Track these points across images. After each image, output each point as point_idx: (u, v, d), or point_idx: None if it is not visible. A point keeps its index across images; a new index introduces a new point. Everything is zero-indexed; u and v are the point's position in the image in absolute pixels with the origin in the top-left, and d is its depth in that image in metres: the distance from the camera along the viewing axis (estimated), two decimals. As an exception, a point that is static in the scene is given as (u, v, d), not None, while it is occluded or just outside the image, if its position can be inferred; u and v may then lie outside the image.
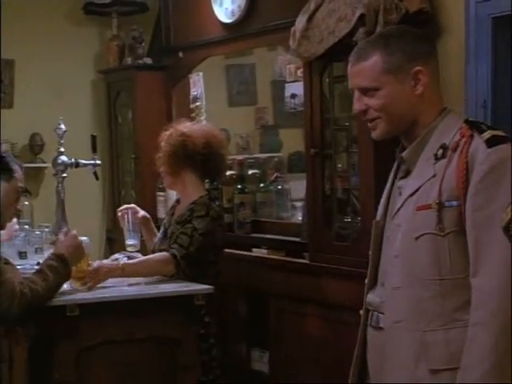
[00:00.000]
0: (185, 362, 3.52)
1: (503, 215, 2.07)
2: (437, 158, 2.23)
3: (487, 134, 2.18)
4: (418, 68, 2.26)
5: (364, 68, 2.29)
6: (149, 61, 5.83)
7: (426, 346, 2.19)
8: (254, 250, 4.64)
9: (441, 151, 2.23)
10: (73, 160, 4.64)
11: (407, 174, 2.33)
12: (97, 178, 4.58)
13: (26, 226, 4.70)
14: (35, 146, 5.88)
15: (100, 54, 6.23)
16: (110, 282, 3.59)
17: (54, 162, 4.69)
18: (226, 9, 5.03)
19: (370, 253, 2.44)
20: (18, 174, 3.28)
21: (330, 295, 3.95)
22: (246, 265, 4.62)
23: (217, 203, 4.20)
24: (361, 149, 3.75)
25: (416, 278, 2.21)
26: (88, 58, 6.19)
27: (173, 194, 5.22)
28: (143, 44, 5.85)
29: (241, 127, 6.32)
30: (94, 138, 4.56)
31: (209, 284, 3.67)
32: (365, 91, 2.29)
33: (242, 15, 4.88)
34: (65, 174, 4.66)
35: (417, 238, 2.21)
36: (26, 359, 3.32)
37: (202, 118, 5.51)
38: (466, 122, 2.29)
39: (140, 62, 5.82)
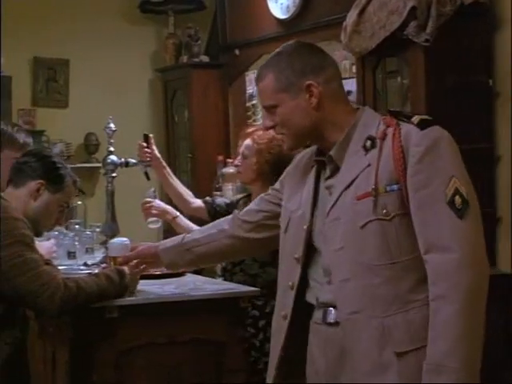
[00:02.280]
0: (230, 366, 3.41)
1: (446, 191, 2.10)
2: (366, 149, 2.24)
3: (416, 119, 2.20)
4: (308, 82, 2.27)
5: (262, 87, 2.34)
6: (205, 59, 5.77)
7: (387, 331, 2.17)
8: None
9: (369, 142, 2.23)
10: (122, 160, 4.56)
11: (335, 171, 2.32)
12: (148, 178, 4.49)
13: (77, 226, 4.65)
14: (90, 146, 5.87)
15: (157, 52, 6.19)
16: (152, 283, 3.51)
17: (104, 162, 4.61)
18: (282, 4, 4.98)
19: (296, 256, 2.37)
20: (68, 189, 3.21)
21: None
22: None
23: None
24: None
25: (365, 266, 2.18)
26: (145, 56, 6.15)
27: (229, 194, 5.15)
28: (199, 42, 5.79)
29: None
30: (146, 136, 4.46)
31: (274, 272, 3.64)
32: (267, 109, 2.33)
33: (296, 11, 4.84)
34: (114, 174, 4.57)
35: (362, 227, 2.19)
36: (68, 360, 3.26)
37: (259, 116, 5.43)
38: (389, 112, 2.30)
39: (196, 60, 5.77)
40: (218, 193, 5.43)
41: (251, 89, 5.42)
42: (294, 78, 2.27)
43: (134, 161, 4.53)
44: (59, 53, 5.75)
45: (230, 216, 2.81)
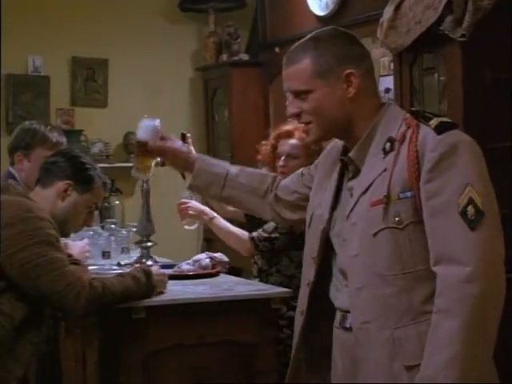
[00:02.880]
0: (261, 368, 3.36)
1: (459, 200, 2.01)
2: (385, 152, 2.16)
3: (435, 122, 2.11)
4: (348, 71, 2.18)
5: (295, 71, 2.22)
6: (245, 57, 5.72)
7: (398, 343, 2.11)
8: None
9: (388, 144, 2.16)
10: (158, 159, 4.52)
11: (357, 173, 2.25)
12: (184, 178, 4.44)
13: (113, 226, 4.64)
14: (129, 145, 5.84)
15: (198, 51, 6.16)
16: (185, 283, 3.47)
17: (141, 161, 4.59)
18: (321, 1, 4.94)
19: (313, 256, 2.34)
20: (97, 190, 3.18)
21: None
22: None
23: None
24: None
25: (378, 275, 2.12)
26: (185, 55, 6.13)
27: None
28: (239, 40, 5.75)
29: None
30: (183, 135, 4.42)
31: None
32: (297, 94, 2.22)
33: (335, 7, 4.79)
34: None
35: (375, 235, 2.13)
36: (97, 360, 3.24)
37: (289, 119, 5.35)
38: (411, 112, 2.22)
39: (235, 58, 5.72)
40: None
41: (290, 89, 5.35)
42: (334, 64, 2.18)
43: (170, 160, 4.50)
44: (98, 52, 5.74)
45: (274, 178, 2.71)
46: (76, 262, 3.27)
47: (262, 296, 3.38)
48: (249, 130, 5.57)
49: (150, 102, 5.85)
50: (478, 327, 1.98)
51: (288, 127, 4.35)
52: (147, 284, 3.08)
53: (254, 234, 3.91)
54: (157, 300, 3.16)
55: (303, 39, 2.25)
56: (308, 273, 2.34)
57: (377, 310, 2.12)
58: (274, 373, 3.40)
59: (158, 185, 5.14)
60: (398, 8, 3.61)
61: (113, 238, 4.47)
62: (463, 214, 2.01)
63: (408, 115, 2.18)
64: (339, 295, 2.27)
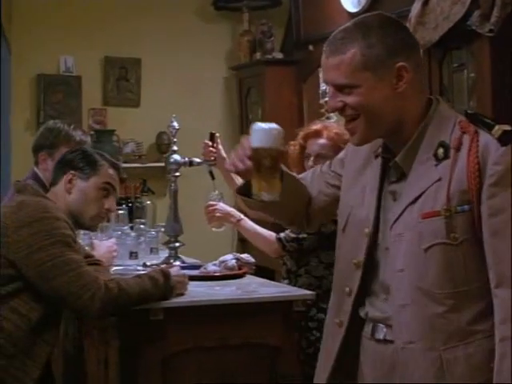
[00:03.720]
0: (284, 371, 3.30)
1: None
2: (438, 159, 1.98)
3: (498, 130, 1.92)
4: (400, 64, 1.97)
5: (341, 62, 1.97)
6: (278, 55, 5.67)
7: (446, 366, 1.97)
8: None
9: (441, 150, 1.98)
10: (186, 159, 4.49)
11: (401, 177, 2.06)
12: (212, 177, 4.40)
13: (142, 226, 4.61)
14: (162, 145, 5.82)
15: (232, 49, 6.12)
16: (211, 284, 3.43)
17: (167, 161, 4.56)
18: (353, -3, 4.85)
19: (355, 261, 2.13)
20: (104, 171, 3.14)
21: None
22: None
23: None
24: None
25: (426, 292, 1.96)
26: (219, 54, 6.09)
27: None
28: (272, 38, 5.70)
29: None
30: (212, 135, 4.38)
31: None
32: (341, 88, 1.99)
33: (367, 3, 4.74)
34: (178, 173, 4.51)
35: (426, 250, 1.95)
36: (117, 362, 3.21)
37: (332, 113, 5.27)
38: (466, 114, 2.02)
39: (269, 56, 5.67)
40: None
41: (324, 85, 5.28)
42: (385, 56, 1.96)
43: (198, 160, 4.45)
44: (131, 52, 5.73)
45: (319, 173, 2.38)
46: (97, 263, 3.26)
47: (284, 298, 3.32)
48: (283, 129, 5.49)
49: (183, 101, 5.83)
50: None
51: (316, 126, 4.28)
52: (165, 285, 3.04)
53: (282, 234, 3.87)
54: (174, 302, 3.11)
55: (348, 25, 2.02)
56: (349, 280, 2.14)
57: (423, 329, 1.98)
58: (296, 376, 3.35)
59: (188, 185, 5.12)
60: (425, 3, 3.54)
61: (142, 238, 4.45)
62: None
63: (462, 118, 2.01)
64: (374, 306, 2.11)
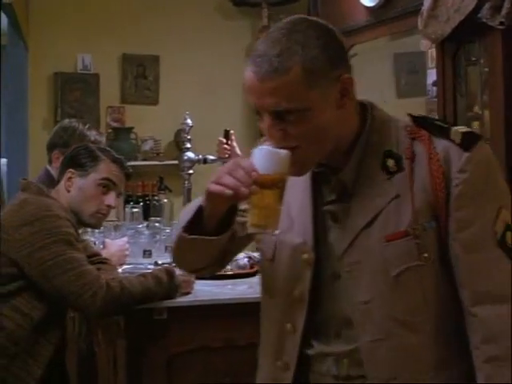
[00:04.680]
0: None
1: (495, 228, 1.70)
2: (390, 172, 1.74)
3: (456, 134, 1.73)
4: (345, 76, 1.69)
5: (282, 84, 1.64)
6: (298, 51, 5.61)
7: None
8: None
9: (392, 162, 1.74)
10: (200, 156, 4.45)
11: (343, 195, 1.77)
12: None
13: (157, 224, 4.58)
14: (180, 143, 5.77)
15: (251, 45, 6.06)
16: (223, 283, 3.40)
17: (180, 159, 4.53)
18: (370, -9, 4.77)
19: (296, 293, 1.81)
20: (103, 166, 3.10)
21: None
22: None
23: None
24: (493, 140, 3.36)
25: (402, 323, 1.74)
26: (239, 50, 6.02)
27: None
28: (290, 34, 5.63)
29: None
30: (227, 132, 4.35)
31: None
32: (282, 114, 1.66)
33: (384, -2, 4.61)
34: (191, 171, 4.48)
35: (397, 276, 1.72)
36: (124, 361, 3.19)
37: (350, 110, 5.22)
38: (411, 117, 1.79)
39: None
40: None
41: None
42: (328, 68, 1.67)
43: (212, 157, 4.42)
44: (149, 49, 5.70)
45: None
46: (103, 261, 3.23)
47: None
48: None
49: (202, 98, 5.79)
50: None
51: None
52: (170, 284, 3.01)
53: None
54: (178, 301, 3.08)
55: (276, 36, 1.67)
56: (290, 315, 1.83)
57: (403, 365, 1.76)
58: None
59: (203, 182, 5.07)
60: (437, -4, 3.46)
61: (157, 236, 4.42)
62: (502, 243, 1.71)
63: (405, 122, 1.77)
64: (326, 342, 1.83)
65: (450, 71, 3.61)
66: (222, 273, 3.71)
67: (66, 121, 3.82)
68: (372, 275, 1.73)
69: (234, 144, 4.26)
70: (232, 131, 4.31)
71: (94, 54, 5.60)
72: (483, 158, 1.72)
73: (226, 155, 4.26)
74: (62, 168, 3.09)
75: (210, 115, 5.63)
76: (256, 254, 3.96)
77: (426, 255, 1.71)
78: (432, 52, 4.25)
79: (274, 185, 1.67)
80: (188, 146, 4.50)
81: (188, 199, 4.38)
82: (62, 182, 3.06)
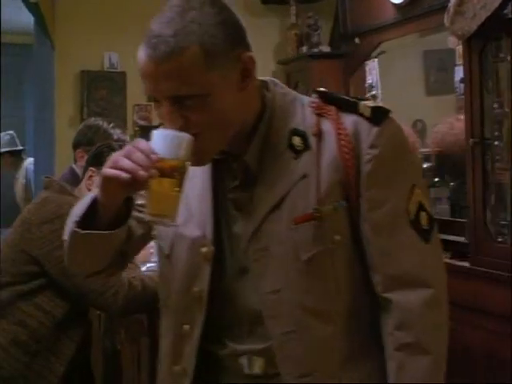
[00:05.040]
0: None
1: (409, 207, 1.60)
2: (297, 151, 1.61)
3: (365, 108, 1.61)
4: (246, 54, 1.58)
5: (179, 67, 1.50)
6: (325, 49, 5.58)
7: None
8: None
9: (298, 140, 1.61)
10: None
11: (247, 180, 1.64)
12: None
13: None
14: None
15: (280, 43, 6.04)
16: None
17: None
18: (398, -11, 4.72)
19: (195, 291, 1.67)
20: None
21: (489, 303, 3.51)
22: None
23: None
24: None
25: (312, 312, 1.60)
26: (267, 48, 6.01)
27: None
28: (318, 31, 5.60)
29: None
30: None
31: None
32: (180, 100, 1.52)
33: (412, -5, 4.57)
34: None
35: (308, 261, 1.58)
36: (148, 361, 3.19)
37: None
38: (317, 93, 1.68)
39: (315, 50, 5.57)
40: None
41: (370, 79, 5.17)
42: (229, 47, 1.55)
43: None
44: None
45: None
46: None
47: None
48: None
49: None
50: (445, 360, 1.63)
51: None
52: None
53: None
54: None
55: (168, 14, 1.54)
56: (187, 315, 1.68)
57: (317, 357, 1.62)
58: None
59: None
60: (464, -8, 3.41)
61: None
62: (415, 223, 1.60)
63: (311, 98, 1.67)
64: (236, 340, 1.68)
65: (477, 68, 3.55)
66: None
67: (91, 119, 3.83)
68: (281, 262, 1.60)
69: None
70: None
71: (121, 52, 5.59)
72: (394, 132, 1.62)
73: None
74: (86, 166, 3.09)
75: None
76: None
77: (337, 238, 1.59)
78: (460, 49, 4.19)
79: (175, 171, 1.53)
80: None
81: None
82: (84, 181, 3.06)
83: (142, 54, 1.55)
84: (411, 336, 1.59)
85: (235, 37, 1.58)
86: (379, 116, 1.60)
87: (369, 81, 5.19)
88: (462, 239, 3.89)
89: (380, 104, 1.66)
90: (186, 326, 1.68)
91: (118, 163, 1.50)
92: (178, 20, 1.52)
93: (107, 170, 1.52)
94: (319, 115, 1.63)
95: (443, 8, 4.09)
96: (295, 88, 5.86)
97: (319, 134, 1.61)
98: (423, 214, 1.61)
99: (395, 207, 1.60)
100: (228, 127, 1.58)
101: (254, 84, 1.61)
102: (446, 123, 4.35)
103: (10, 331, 2.83)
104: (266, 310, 1.61)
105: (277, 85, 1.69)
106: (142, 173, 1.48)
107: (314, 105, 1.65)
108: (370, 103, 1.64)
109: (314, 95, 1.68)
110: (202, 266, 1.65)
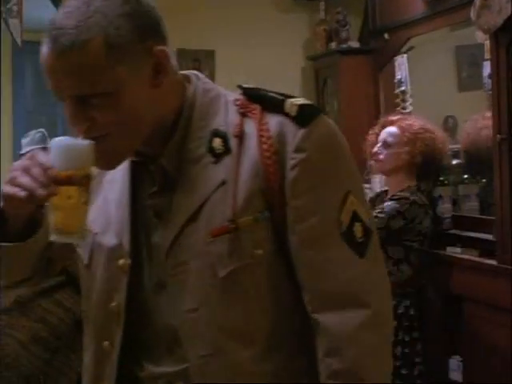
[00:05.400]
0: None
1: (341, 217, 1.43)
2: (216, 155, 1.46)
3: (291, 107, 1.46)
4: (158, 47, 1.43)
5: (81, 62, 1.36)
6: (354, 44, 5.53)
7: None
8: (448, 248, 4.21)
9: (219, 142, 1.46)
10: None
11: (166, 185, 1.50)
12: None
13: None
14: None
15: (309, 39, 6.01)
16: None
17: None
18: (426, -18, 4.67)
19: (113, 305, 1.54)
20: None
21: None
22: (439, 264, 4.22)
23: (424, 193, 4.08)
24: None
25: (231, 334, 1.45)
26: (297, 44, 5.98)
27: (376, 186, 4.92)
28: (347, 27, 5.56)
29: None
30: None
31: (408, 270, 3.81)
32: (85, 98, 1.39)
33: (441, -11, 4.52)
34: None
35: (225, 278, 1.43)
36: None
37: (407, 103, 5.13)
38: (243, 90, 1.54)
39: (344, 46, 5.53)
40: (367, 185, 5.19)
41: (400, 74, 5.11)
42: (137, 39, 1.41)
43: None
44: (204, 44, 5.68)
45: None
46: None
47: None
48: (359, 121, 5.36)
49: (258, 92, 5.75)
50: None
51: (393, 117, 4.20)
52: None
53: None
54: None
55: (71, 2, 1.41)
56: (107, 331, 1.55)
57: (237, 382, 1.47)
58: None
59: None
60: (490, -14, 3.36)
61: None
62: (348, 235, 1.43)
63: (236, 95, 1.54)
64: (155, 361, 1.55)
65: (505, 63, 3.50)
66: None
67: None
68: (199, 278, 1.44)
69: None
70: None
71: (150, 49, 5.59)
72: (324, 133, 1.45)
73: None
74: None
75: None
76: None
77: (259, 252, 1.43)
78: (488, 43, 4.14)
79: (76, 182, 1.40)
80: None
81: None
82: None
83: (43, 47, 1.41)
84: (344, 362, 1.42)
85: (145, 28, 1.42)
86: (306, 116, 1.45)
87: (398, 76, 5.13)
88: (490, 237, 3.85)
89: (309, 102, 1.50)
90: (106, 343, 1.56)
91: (16, 180, 1.39)
92: (82, 10, 1.39)
93: (5, 188, 1.40)
94: (243, 115, 1.49)
95: (472, 2, 4.04)
96: (324, 84, 5.83)
97: (241, 136, 1.46)
98: (358, 225, 1.44)
99: (325, 218, 1.43)
100: (140, 127, 1.43)
101: (171, 79, 1.47)
102: (473, 120, 4.31)
103: (29, 328, 2.83)
104: (183, 329, 1.47)
105: (200, 79, 1.56)
106: (40, 191, 1.37)
107: (238, 103, 1.51)
108: (300, 101, 1.49)
109: (239, 91, 1.55)
110: (119, 279, 1.52)
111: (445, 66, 5.81)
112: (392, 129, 4.11)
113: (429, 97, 5.24)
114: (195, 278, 1.44)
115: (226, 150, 1.46)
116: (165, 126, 1.48)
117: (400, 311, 3.83)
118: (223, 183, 1.44)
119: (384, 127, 4.20)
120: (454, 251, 4.13)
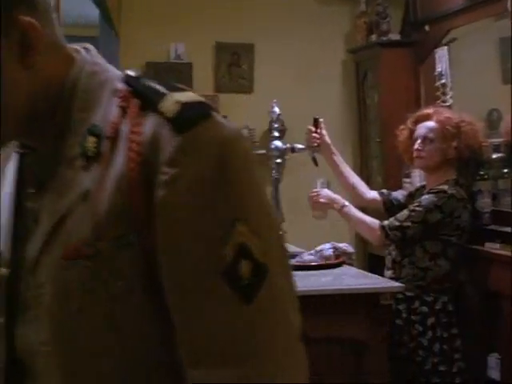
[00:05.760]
0: (369, 368, 3.17)
1: (224, 250, 1.08)
2: (89, 157, 1.16)
3: (171, 105, 1.12)
4: (26, 19, 1.12)
5: None
6: (395, 37, 5.47)
7: None
8: (486, 243, 4.14)
9: (92, 142, 1.15)
10: (288, 145, 4.40)
11: (42, 186, 1.23)
12: (316, 164, 4.29)
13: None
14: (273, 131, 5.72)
15: (350, 32, 5.95)
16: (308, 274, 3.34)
17: (268, 147, 4.48)
18: (467, -27, 4.59)
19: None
20: None
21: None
22: (477, 260, 4.15)
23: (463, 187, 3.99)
24: None
25: (83, 380, 1.17)
26: (337, 37, 5.93)
27: (417, 181, 4.86)
28: (387, 19, 5.49)
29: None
30: (316, 120, 4.27)
31: (446, 265, 3.68)
32: None
33: (481, -19, 4.43)
34: (279, 160, 4.42)
35: (78, 312, 1.14)
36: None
37: (448, 96, 5.05)
38: (127, 79, 1.20)
39: (384, 38, 5.46)
40: (408, 179, 5.14)
41: (440, 67, 5.04)
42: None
43: (301, 146, 4.37)
44: (243, 37, 5.65)
45: None
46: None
47: (369, 290, 3.20)
48: (399, 114, 5.28)
49: (298, 87, 5.71)
50: None
51: (428, 110, 4.13)
52: None
53: (386, 222, 3.81)
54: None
55: None
56: None
57: None
58: (385, 373, 3.21)
59: (292, 172, 5.03)
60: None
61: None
62: (231, 275, 1.08)
63: (123, 85, 1.19)
64: None
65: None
66: (306, 263, 3.67)
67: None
68: (53, 307, 1.16)
69: (324, 132, 4.19)
70: (321, 119, 4.23)
71: (187, 42, 5.57)
72: (209, 143, 1.10)
73: (315, 144, 4.19)
74: None
75: (306, 104, 5.55)
76: (342, 245, 3.89)
77: (118, 284, 1.13)
78: (526, 35, 4.07)
79: None
80: (276, 134, 4.45)
81: (275, 189, 4.32)
82: None
83: None
84: None
85: None
86: (186, 119, 1.11)
87: (438, 69, 5.06)
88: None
89: (200, 99, 1.15)
90: None
91: None
92: None
93: None
94: (123, 109, 1.16)
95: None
96: (364, 77, 5.77)
97: (115, 138, 1.14)
98: (245, 263, 1.09)
99: (202, 252, 1.09)
100: (10, 115, 1.16)
101: (48, 58, 1.17)
102: (512, 112, 4.22)
103: None
104: (38, 364, 1.21)
105: (93, 55, 1.25)
106: None
107: (120, 94, 1.17)
108: (189, 97, 1.15)
109: (125, 79, 1.21)
110: (0, 292, 1.25)
111: (488, 57, 5.70)
112: (430, 123, 4.03)
113: (471, 89, 5.15)
114: (49, 306, 1.17)
115: (98, 153, 1.15)
116: (45, 114, 1.20)
117: (438, 307, 3.77)
118: (86, 195, 1.14)
119: (418, 122, 4.13)
120: (493, 247, 4.06)
